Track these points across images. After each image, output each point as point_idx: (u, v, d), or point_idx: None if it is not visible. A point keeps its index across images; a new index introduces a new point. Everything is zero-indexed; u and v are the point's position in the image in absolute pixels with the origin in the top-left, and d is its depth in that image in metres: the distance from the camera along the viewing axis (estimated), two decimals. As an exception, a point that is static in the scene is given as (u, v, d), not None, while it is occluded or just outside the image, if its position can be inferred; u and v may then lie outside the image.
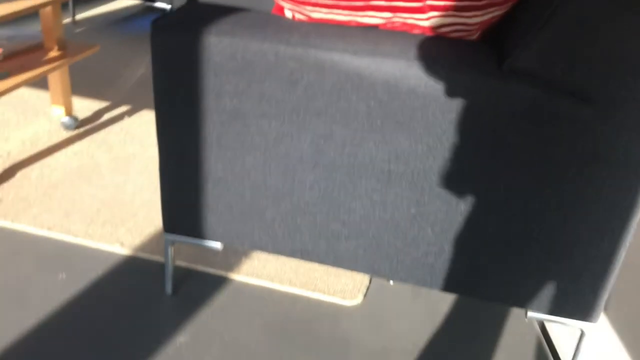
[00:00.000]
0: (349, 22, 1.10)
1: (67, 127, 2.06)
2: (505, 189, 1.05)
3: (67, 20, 3.29)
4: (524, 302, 1.15)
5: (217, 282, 1.44)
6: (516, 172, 1.03)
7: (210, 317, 1.33)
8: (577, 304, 1.13)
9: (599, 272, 1.09)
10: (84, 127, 2.10)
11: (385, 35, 1.07)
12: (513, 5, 1.09)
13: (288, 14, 1.14)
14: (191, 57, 1.07)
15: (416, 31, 1.09)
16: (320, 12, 1.08)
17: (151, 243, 1.53)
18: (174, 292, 1.39)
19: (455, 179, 1.06)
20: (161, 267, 1.47)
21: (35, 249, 1.49)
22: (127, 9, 3.60)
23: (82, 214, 1.62)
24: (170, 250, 1.32)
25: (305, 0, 1.06)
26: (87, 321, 1.29)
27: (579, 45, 0.92)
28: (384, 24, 1.09)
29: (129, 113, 2.24)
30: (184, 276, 1.45)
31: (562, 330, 1.36)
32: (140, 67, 2.71)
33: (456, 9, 1.02)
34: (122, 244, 1.52)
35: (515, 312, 1.43)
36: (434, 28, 1.07)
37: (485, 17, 1.04)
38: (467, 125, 1.01)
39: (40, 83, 2.42)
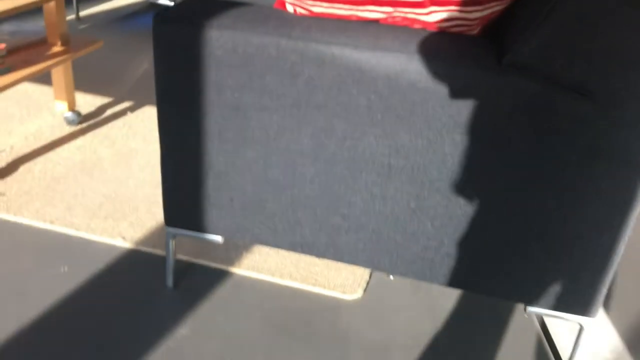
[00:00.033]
0: (350, 16, 1.10)
1: (70, 122, 2.06)
2: (505, 183, 1.05)
3: (70, 17, 3.30)
4: (523, 296, 1.16)
5: (218, 276, 1.44)
6: (515, 167, 1.03)
7: (211, 310, 1.34)
8: (576, 299, 1.13)
9: (598, 267, 1.09)
10: (86, 122, 2.11)
11: (386, 30, 1.07)
12: (513, 0, 1.09)
13: (289, 8, 1.14)
14: (193, 51, 1.08)
15: (417, 26, 1.09)
16: (321, 6, 1.09)
17: (153, 237, 1.54)
18: (175, 286, 1.40)
19: (455, 173, 1.06)
20: (162, 260, 1.47)
21: (37, 242, 1.50)
22: (130, 6, 3.61)
23: (85, 208, 1.63)
24: (172, 244, 1.32)
25: (307, -5, 1.07)
26: (88, 314, 1.29)
27: (578, 41, 0.92)
28: (385, 19, 1.10)
29: (132, 108, 2.25)
30: (185, 270, 1.46)
31: (561, 325, 1.36)
32: (143, 63, 2.71)
33: (457, 3, 1.02)
34: (123, 238, 1.53)
35: (515, 307, 1.44)
36: (435, 23, 1.07)
37: (486, 12, 1.05)
38: (466, 120, 1.01)
39: (44, 78, 2.43)
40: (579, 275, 1.11)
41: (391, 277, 1.50)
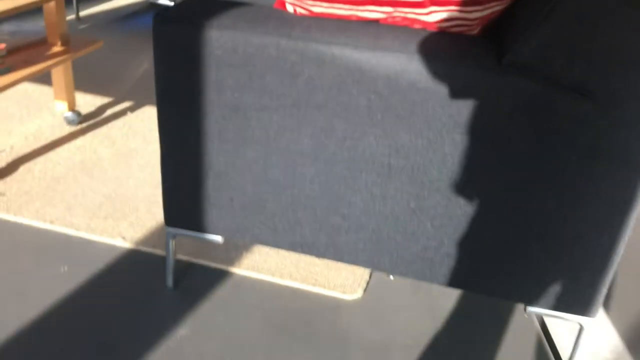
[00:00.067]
0: (350, 16, 1.10)
1: (70, 122, 2.07)
2: (505, 183, 1.05)
3: (70, 17, 3.30)
4: (523, 296, 1.16)
5: (218, 276, 1.44)
6: (515, 167, 1.03)
7: (210, 310, 1.34)
8: (576, 299, 1.13)
9: (598, 267, 1.09)
10: (86, 122, 2.11)
11: (386, 30, 1.07)
12: (513, 0, 1.09)
13: (289, 8, 1.14)
14: (193, 50, 1.08)
15: (417, 26, 1.09)
16: (321, 6, 1.09)
17: (152, 237, 1.54)
18: (175, 286, 1.40)
19: (455, 173, 1.07)
20: (162, 260, 1.47)
21: (37, 242, 1.50)
22: (130, 6, 3.61)
23: (84, 208, 1.63)
24: (172, 244, 1.32)
25: (307, -5, 1.07)
26: (88, 314, 1.29)
27: (578, 41, 0.92)
28: (385, 19, 1.10)
29: (132, 108, 2.25)
30: (185, 270, 1.46)
31: (561, 325, 1.36)
32: (143, 64, 2.71)
33: (457, 4, 1.02)
34: (123, 238, 1.53)
35: (515, 307, 1.44)
36: (435, 23, 1.07)
37: (486, 12, 1.05)
38: (466, 120, 1.01)
39: (44, 78, 2.43)
40: (579, 275, 1.11)
41: (391, 277, 1.50)
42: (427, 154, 1.06)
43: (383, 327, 1.34)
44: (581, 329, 1.18)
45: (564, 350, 1.30)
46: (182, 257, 1.49)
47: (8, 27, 2.08)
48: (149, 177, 1.81)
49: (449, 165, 1.06)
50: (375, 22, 1.11)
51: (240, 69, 1.07)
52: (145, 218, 1.61)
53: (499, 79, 0.97)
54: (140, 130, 2.08)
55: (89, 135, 2.02)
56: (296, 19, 1.10)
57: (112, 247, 1.51)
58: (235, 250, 1.53)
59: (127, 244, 1.51)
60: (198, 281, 1.42)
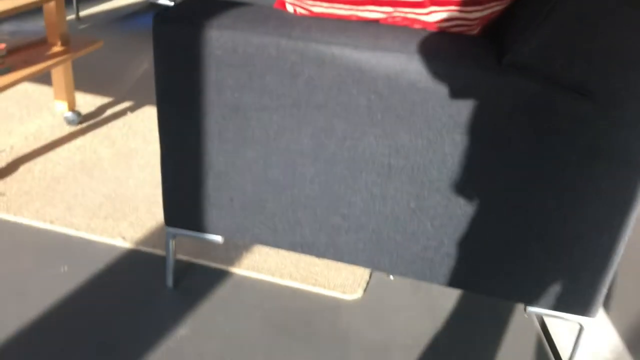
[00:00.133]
0: (350, 16, 1.10)
1: (70, 122, 2.07)
2: (505, 183, 1.05)
3: (70, 17, 3.30)
4: (523, 296, 1.16)
5: (218, 276, 1.44)
6: (515, 167, 1.03)
7: (210, 310, 1.34)
8: (576, 299, 1.13)
9: (597, 267, 1.09)
10: (86, 122, 2.11)
11: (386, 30, 1.07)
12: (513, 0, 1.09)
13: (289, 8, 1.14)
14: (193, 50, 1.08)
15: (417, 26, 1.09)
16: (321, 6, 1.09)
17: (152, 237, 1.54)
18: (175, 286, 1.40)
19: (455, 173, 1.07)
20: (162, 260, 1.47)
21: (37, 242, 1.50)
22: (130, 6, 3.61)
23: (84, 208, 1.63)
24: (172, 244, 1.32)
25: (307, -5, 1.07)
26: (88, 314, 1.29)
27: (578, 41, 0.92)
28: (385, 19, 1.10)
29: (132, 109, 2.25)
30: (185, 270, 1.46)
31: (561, 325, 1.36)
32: (143, 64, 2.71)
33: (457, 4, 1.02)
34: (123, 238, 1.53)
35: (515, 307, 1.44)
36: (435, 23, 1.07)
37: (486, 12, 1.05)
38: (466, 120, 1.01)
39: (44, 78, 2.43)
40: (579, 275, 1.11)
41: (391, 277, 1.50)
42: (427, 154, 1.06)
43: (383, 327, 1.34)
44: (581, 329, 1.18)
45: (564, 350, 1.30)
46: (182, 257, 1.49)
47: (8, 27, 2.09)
48: (149, 177, 1.81)
49: (449, 165, 1.06)
50: (375, 22, 1.11)
51: (240, 69, 1.07)
52: (145, 218, 1.61)
53: (499, 79, 0.97)
54: (140, 131, 2.08)
55: (89, 135, 2.02)
56: (296, 19, 1.10)
57: (112, 247, 1.51)
58: (235, 250, 1.53)
59: (127, 244, 1.51)
60: (198, 281, 1.42)
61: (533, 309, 1.17)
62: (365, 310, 1.38)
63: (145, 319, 1.30)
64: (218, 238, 1.27)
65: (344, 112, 1.06)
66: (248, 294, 1.40)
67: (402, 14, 1.07)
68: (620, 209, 1.04)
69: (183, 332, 1.27)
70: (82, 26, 3.17)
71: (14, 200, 1.64)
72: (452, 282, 1.18)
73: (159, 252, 1.50)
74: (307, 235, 1.20)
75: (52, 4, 1.89)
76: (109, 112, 2.21)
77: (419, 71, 1.00)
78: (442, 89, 1.00)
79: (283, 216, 1.19)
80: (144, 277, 1.41)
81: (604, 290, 1.12)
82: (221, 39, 1.05)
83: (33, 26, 2.11)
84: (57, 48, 1.93)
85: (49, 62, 1.82)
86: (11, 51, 1.87)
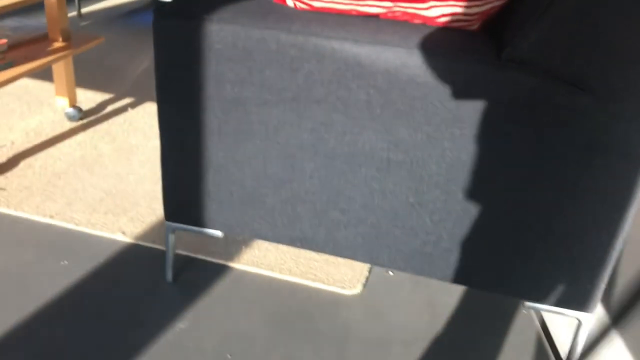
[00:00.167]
0: (350, 11, 1.10)
1: (70, 117, 2.07)
2: (504, 177, 1.05)
3: (72, 13, 3.30)
4: (522, 292, 1.16)
5: (218, 271, 1.45)
6: (514, 161, 1.03)
7: (210, 305, 1.34)
8: (575, 294, 1.14)
9: (596, 262, 1.09)
10: (87, 118, 2.11)
11: (386, 24, 1.07)
12: (513, -5, 1.09)
13: (289, 2, 1.14)
14: (193, 44, 1.08)
15: (417, 21, 1.10)
16: (322, 0, 1.09)
17: (152, 232, 1.55)
18: (175, 280, 1.40)
19: (454, 168, 1.07)
20: (162, 255, 1.48)
21: (37, 237, 1.50)
22: (131, 3, 3.61)
23: (85, 203, 1.64)
24: (171, 238, 1.33)
25: (307, -11, 1.07)
26: (88, 308, 1.30)
27: (577, 35, 0.92)
28: (385, 13, 1.10)
29: (133, 105, 2.25)
30: (184, 264, 1.46)
31: (561, 322, 1.36)
32: (145, 60, 2.72)
33: (456, -2, 1.03)
34: (123, 233, 1.53)
35: (514, 303, 1.44)
36: (435, 18, 1.07)
37: (485, 8, 1.05)
38: (466, 114, 1.02)
39: (45, 74, 2.43)
40: (578, 270, 1.11)
41: (390, 272, 1.50)
42: (426, 149, 1.06)
43: (382, 322, 1.34)
44: (579, 325, 1.18)
45: (563, 345, 1.30)
46: (181, 251, 1.49)
47: (9, 22, 2.09)
48: (149, 173, 1.81)
49: (448, 160, 1.06)
50: (375, 16, 1.11)
51: (240, 63, 1.07)
52: (145, 213, 1.62)
53: (499, 73, 0.97)
54: (140, 127, 2.08)
55: (90, 131, 2.02)
56: (296, 13, 1.10)
57: (112, 242, 1.51)
58: (234, 245, 1.53)
59: (127, 239, 1.52)
60: (198, 276, 1.43)
61: (531, 305, 1.17)
62: (365, 305, 1.39)
63: (145, 313, 1.30)
64: (218, 233, 1.28)
65: (344, 106, 1.06)
66: (247, 289, 1.40)
67: (402, 9, 1.07)
68: (619, 204, 1.04)
69: (182, 326, 1.28)
70: (84, 23, 3.17)
71: (15, 195, 1.64)
72: (451, 278, 1.18)
73: (159, 246, 1.50)
74: (307, 229, 1.20)
75: (53, 0, 1.89)
76: (110, 108, 2.21)
77: (418, 66, 1.00)
78: (441, 84, 1.00)
79: (282, 211, 1.20)
80: (144, 271, 1.42)
81: (602, 286, 1.12)
82: (221, 33, 1.05)
83: (34, 22, 2.12)
84: (58, 44, 1.93)
85: (50, 58, 1.82)
86: (12, 46, 1.88)
